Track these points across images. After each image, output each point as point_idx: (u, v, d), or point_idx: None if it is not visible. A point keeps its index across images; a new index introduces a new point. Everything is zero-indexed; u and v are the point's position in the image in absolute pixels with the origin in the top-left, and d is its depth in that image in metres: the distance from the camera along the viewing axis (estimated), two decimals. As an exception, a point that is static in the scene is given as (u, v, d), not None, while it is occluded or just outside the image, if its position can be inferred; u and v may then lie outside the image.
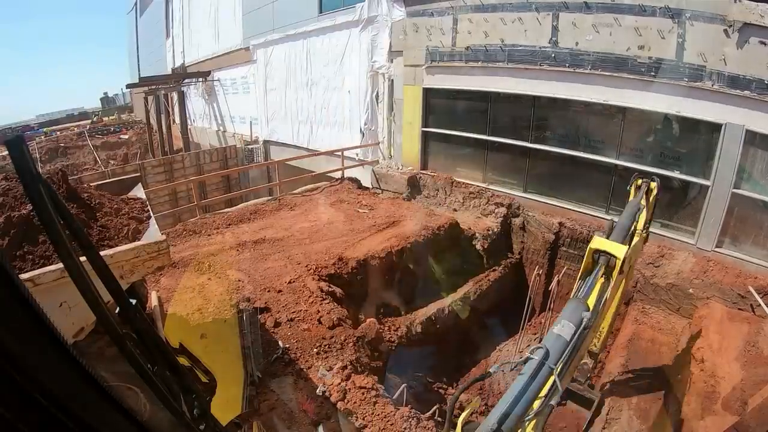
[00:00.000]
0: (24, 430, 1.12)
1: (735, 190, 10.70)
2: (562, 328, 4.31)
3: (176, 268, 10.39)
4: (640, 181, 7.49)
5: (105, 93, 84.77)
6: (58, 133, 52.75)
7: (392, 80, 18.03)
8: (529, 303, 11.33)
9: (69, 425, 1.22)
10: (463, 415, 3.72)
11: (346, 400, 6.93)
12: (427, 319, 10.98)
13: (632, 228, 6.71)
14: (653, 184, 7.37)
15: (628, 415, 8.73)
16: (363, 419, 6.68)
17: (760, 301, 9.50)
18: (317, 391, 7.11)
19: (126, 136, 49.52)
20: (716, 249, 11.23)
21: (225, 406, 6.19)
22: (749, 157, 10.48)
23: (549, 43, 12.83)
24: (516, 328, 11.70)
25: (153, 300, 8.76)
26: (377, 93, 18.95)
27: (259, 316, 8.55)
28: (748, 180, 10.61)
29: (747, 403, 6.99)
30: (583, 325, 4.40)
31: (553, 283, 11.34)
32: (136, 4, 55.44)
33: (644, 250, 11.48)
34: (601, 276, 5.24)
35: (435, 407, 8.48)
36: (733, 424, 6.37)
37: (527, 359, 3.89)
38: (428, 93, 16.57)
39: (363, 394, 7.15)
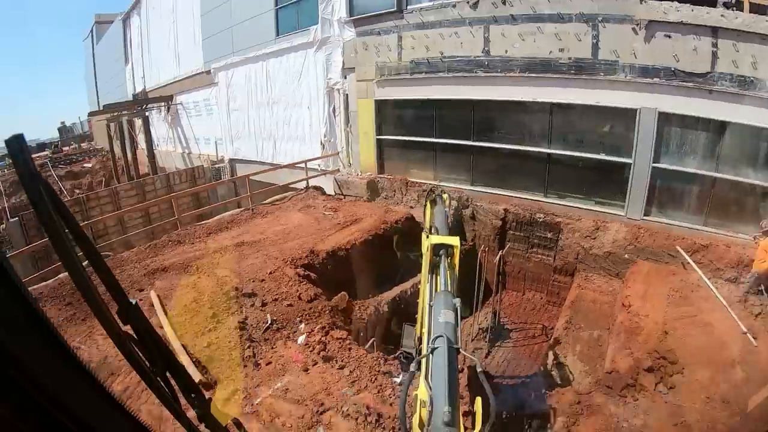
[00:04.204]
0: (24, 430, 1.17)
1: (655, 165, 12.06)
2: (446, 315, 4.62)
3: (167, 272, 11.52)
4: (433, 195, 8.50)
5: (62, 122, 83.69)
6: None
7: (347, 95, 19.14)
8: (480, 284, 12.44)
9: (69, 425, 1.28)
10: (415, 418, 3.94)
11: (327, 350, 8.40)
12: (392, 299, 12.16)
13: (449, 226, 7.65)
14: (445, 195, 8.50)
15: (572, 359, 9.95)
16: (342, 361, 8.16)
17: (687, 257, 10.86)
18: (299, 341, 8.60)
19: (89, 165, 49.03)
20: (645, 217, 12.53)
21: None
22: (664, 135, 11.87)
23: (482, 52, 14.13)
24: (472, 308, 12.82)
25: (153, 299, 10.02)
26: (334, 107, 20.08)
27: (248, 299, 9.90)
28: (665, 154, 11.98)
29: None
30: (458, 309, 4.76)
31: (497, 258, 12.83)
32: (92, 31, 55.24)
33: (582, 225, 12.99)
34: (448, 266, 5.76)
35: (399, 351, 9.62)
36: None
37: (433, 349, 4.14)
38: (380, 104, 17.73)
39: (340, 343, 8.67)
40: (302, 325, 9.24)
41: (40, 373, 1.17)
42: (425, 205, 8.31)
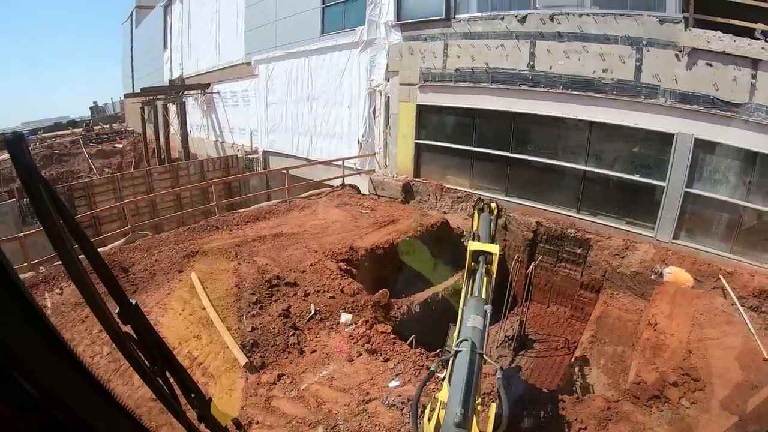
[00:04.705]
0: (24, 429, 1.16)
1: (687, 190, 12.23)
2: (474, 321, 4.64)
3: (207, 256, 11.81)
4: (482, 204, 8.53)
5: (95, 102, 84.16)
6: (54, 139, 52.54)
7: (388, 97, 19.41)
8: (509, 293, 12.72)
9: (69, 425, 1.27)
10: (426, 414, 4.02)
11: (371, 342, 8.80)
12: (424, 301, 12.45)
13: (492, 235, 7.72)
14: (493, 205, 8.44)
15: (596, 372, 10.29)
16: (386, 354, 8.54)
17: (727, 285, 10.88)
18: (348, 330, 9.06)
19: (120, 145, 49.36)
20: (673, 240, 12.69)
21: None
22: (698, 161, 12.04)
23: (527, 66, 14.41)
24: (499, 315, 12.91)
25: (194, 280, 10.39)
26: (374, 108, 20.34)
27: (290, 289, 10.30)
28: (698, 180, 12.15)
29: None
30: (488, 315, 4.83)
31: (530, 269, 13.06)
32: (131, 15, 55.93)
33: (612, 244, 13.13)
34: (485, 273, 5.76)
35: (438, 349, 9.98)
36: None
37: (457, 352, 4.19)
38: (421, 109, 18.00)
39: (384, 337, 9.04)
40: (349, 316, 9.65)
41: (36, 369, 1.17)
42: (473, 214, 8.52)
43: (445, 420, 3.56)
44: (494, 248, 5.98)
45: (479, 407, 4.17)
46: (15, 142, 1.25)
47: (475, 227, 7.80)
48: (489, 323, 4.90)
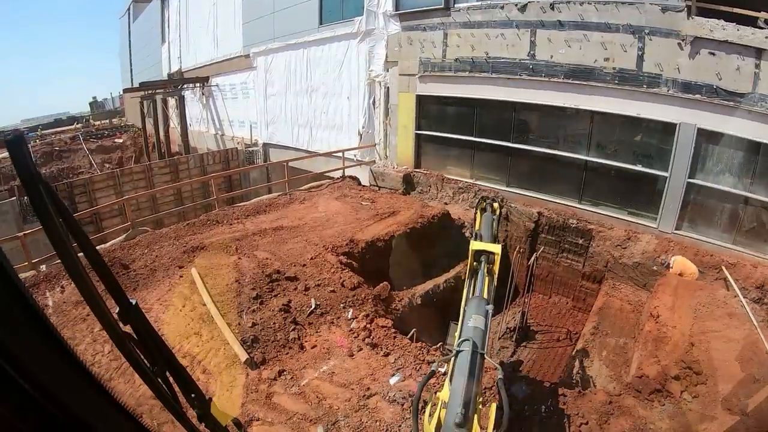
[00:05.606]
0: (24, 430, 1.16)
1: (690, 180, 12.16)
2: (476, 321, 4.65)
3: (207, 251, 11.79)
4: (484, 204, 8.48)
5: (94, 97, 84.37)
6: (54, 136, 52.31)
7: (388, 87, 19.32)
8: (511, 284, 12.65)
9: (69, 425, 1.28)
10: (427, 413, 4.04)
11: (371, 337, 8.77)
12: (425, 293, 12.46)
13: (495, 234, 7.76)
14: (495, 205, 8.42)
15: (598, 364, 10.26)
16: (386, 348, 8.52)
17: (729, 276, 10.88)
18: (351, 325, 8.99)
19: (120, 140, 49.10)
20: (676, 231, 12.65)
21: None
22: (701, 151, 11.95)
23: (527, 56, 14.30)
24: (501, 306, 12.65)
25: (195, 276, 10.36)
26: (374, 99, 20.22)
27: (291, 283, 10.25)
28: (701, 170, 12.07)
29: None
30: (489, 315, 4.86)
31: (532, 259, 13.01)
32: (129, 9, 55.59)
33: (614, 234, 13.08)
34: (486, 273, 5.78)
35: (440, 343, 9.97)
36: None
37: (458, 352, 4.22)
38: (421, 99, 17.94)
39: (385, 331, 9.04)
40: (351, 311, 9.64)
41: (36, 369, 1.16)
42: (475, 213, 8.47)
43: (446, 420, 3.58)
44: (496, 248, 6.00)
45: (480, 406, 4.17)
46: (15, 142, 1.25)
47: (477, 227, 7.76)
48: (491, 314, 4.87)
